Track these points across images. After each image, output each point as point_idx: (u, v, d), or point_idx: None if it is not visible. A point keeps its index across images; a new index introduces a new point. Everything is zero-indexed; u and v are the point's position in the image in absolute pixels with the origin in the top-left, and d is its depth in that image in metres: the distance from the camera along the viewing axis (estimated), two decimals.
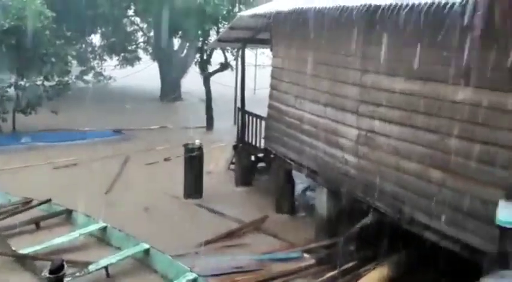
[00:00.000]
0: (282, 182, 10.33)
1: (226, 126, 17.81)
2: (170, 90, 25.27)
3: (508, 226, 5.01)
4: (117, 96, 24.92)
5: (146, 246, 7.55)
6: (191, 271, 6.80)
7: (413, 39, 6.20)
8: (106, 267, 7.05)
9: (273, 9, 9.15)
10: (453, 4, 5.01)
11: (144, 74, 28.50)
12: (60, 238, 7.95)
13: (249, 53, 12.38)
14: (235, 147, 12.48)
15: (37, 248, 7.58)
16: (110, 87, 27.22)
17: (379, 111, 7.17)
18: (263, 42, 11.99)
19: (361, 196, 7.59)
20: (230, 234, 8.84)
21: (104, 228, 8.36)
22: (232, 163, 12.88)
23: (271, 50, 10.79)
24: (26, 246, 7.64)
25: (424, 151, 6.41)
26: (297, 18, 8.40)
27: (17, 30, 14.85)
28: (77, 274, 6.72)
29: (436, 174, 6.24)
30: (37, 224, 8.80)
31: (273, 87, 10.53)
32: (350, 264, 7.16)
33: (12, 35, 14.92)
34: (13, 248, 7.64)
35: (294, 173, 10.11)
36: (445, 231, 6.09)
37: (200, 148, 11.24)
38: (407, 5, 5.63)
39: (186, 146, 11.36)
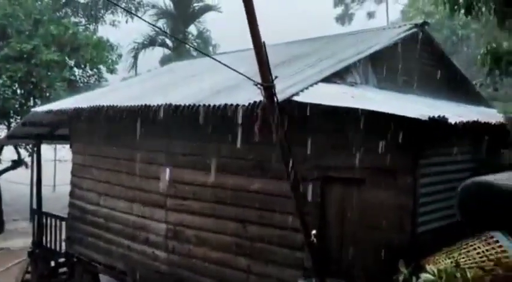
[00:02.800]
0: None
1: (19, 230, 15.91)
2: None
3: None
4: None
5: None
6: None
7: (211, 136, 6.66)
8: None
9: (70, 105, 8.84)
10: (243, 106, 5.56)
11: None
12: None
13: (47, 147, 11.54)
14: (30, 254, 11.12)
15: None
16: None
17: (186, 204, 7.31)
18: (62, 138, 11.39)
19: None
20: None
21: None
22: (27, 272, 11.37)
23: (71, 147, 10.29)
24: None
25: (229, 240, 6.68)
26: (96, 115, 8.24)
27: None
28: None
29: (242, 261, 6.51)
30: None
31: (74, 184, 9.93)
32: None
33: None
34: None
35: (102, 277, 9.41)
36: None
37: None
38: (204, 105, 6.08)
39: None
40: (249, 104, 5.37)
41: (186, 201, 7.30)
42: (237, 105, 5.59)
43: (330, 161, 5.77)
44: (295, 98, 5.45)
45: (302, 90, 5.73)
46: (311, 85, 6.00)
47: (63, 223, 10.25)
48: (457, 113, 6.08)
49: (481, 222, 5.21)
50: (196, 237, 7.14)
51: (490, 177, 5.39)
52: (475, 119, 5.61)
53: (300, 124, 5.73)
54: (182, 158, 7.32)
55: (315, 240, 4.83)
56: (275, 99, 4.03)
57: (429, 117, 4.84)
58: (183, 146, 7.27)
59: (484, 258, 5.00)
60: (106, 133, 8.66)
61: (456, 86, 9.26)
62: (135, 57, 18.75)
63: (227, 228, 6.70)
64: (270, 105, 4.06)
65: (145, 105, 6.86)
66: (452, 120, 5.02)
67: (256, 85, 3.89)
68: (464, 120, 5.31)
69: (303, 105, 5.39)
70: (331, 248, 5.91)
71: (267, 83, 3.86)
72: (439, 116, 4.95)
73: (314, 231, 4.96)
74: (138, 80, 12.93)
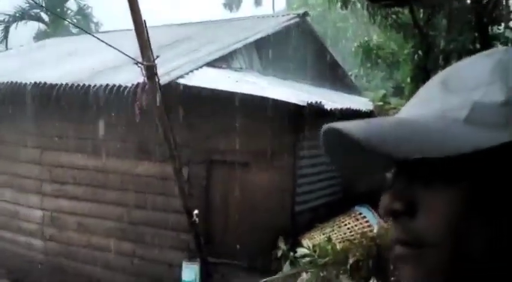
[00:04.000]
0: None
1: None
2: None
3: None
4: None
5: None
6: None
7: (92, 117, 6.39)
8: None
9: None
10: (125, 87, 5.43)
11: None
12: None
13: None
14: None
15: None
16: None
17: (64, 189, 6.96)
18: None
19: None
20: None
21: None
22: None
23: None
24: None
25: (113, 225, 6.51)
26: None
27: None
28: None
29: (126, 246, 6.39)
30: None
31: None
32: None
33: None
34: None
35: None
36: None
37: None
38: (84, 85, 5.81)
39: None
40: (132, 85, 5.25)
41: (65, 185, 6.94)
42: (120, 85, 5.43)
43: (215, 145, 5.87)
44: (180, 81, 5.44)
45: (187, 74, 5.73)
46: (196, 69, 6.02)
47: None
48: (333, 100, 6.52)
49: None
50: (76, 224, 6.84)
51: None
52: (348, 106, 6.08)
53: (185, 107, 5.73)
54: (59, 140, 6.93)
55: (197, 220, 4.91)
56: (156, 79, 3.99)
57: (307, 103, 5.15)
58: (61, 128, 6.88)
59: (353, 232, 5.50)
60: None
61: (334, 75, 9.89)
62: (6, 31, 17.07)
63: (110, 213, 6.51)
64: (151, 85, 4.02)
65: (15, 82, 6.37)
66: (328, 106, 5.40)
67: (136, 64, 3.83)
68: (339, 106, 5.74)
69: (187, 88, 5.40)
70: (216, 229, 6.05)
71: (148, 62, 3.82)
72: (316, 102, 5.30)
73: (196, 211, 5.05)
74: (8, 54, 11.88)
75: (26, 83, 6.32)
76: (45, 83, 6.13)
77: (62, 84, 5.99)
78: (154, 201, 6.13)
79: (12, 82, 6.47)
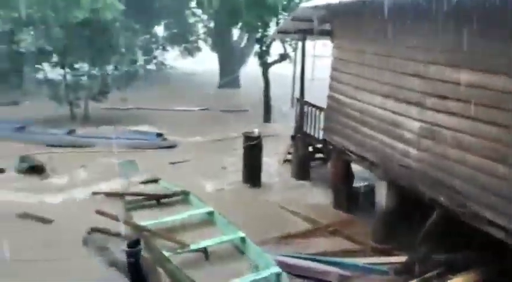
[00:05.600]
0: (340, 174, 10.35)
1: (283, 116, 18.04)
2: (228, 79, 25.92)
3: None
4: (178, 83, 25.84)
5: (242, 234, 7.78)
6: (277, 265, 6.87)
7: (479, 30, 6.07)
8: (205, 249, 7.45)
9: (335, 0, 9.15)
10: None
11: (203, 64, 29.42)
12: (172, 217, 8.65)
13: (307, 43, 12.41)
14: (293, 137, 12.61)
15: (153, 222, 8.27)
16: (169, 76, 28.20)
17: (443, 103, 7.07)
18: (323, 34, 11.98)
19: (421, 190, 7.52)
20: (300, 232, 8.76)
21: (211, 213, 8.84)
22: (289, 153, 13.02)
23: (332, 41, 10.79)
24: (146, 220, 8.40)
25: (488, 145, 6.28)
26: (360, 9, 8.37)
27: (90, 22, 15.73)
28: (178, 251, 7.31)
29: (500, 169, 6.11)
30: (158, 200, 9.74)
31: (333, 78, 10.54)
32: (430, 274, 6.63)
33: (86, 26, 15.81)
34: (134, 220, 8.39)
35: (353, 165, 10.13)
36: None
37: (259, 137, 11.42)
38: None
39: (245, 134, 11.57)
40: None
41: (444, 100, 7.03)
42: None
43: None
44: None
45: None
46: None
47: (321, 113, 11.18)
48: None
49: None
50: (452, 139, 6.92)
51: None
52: None
53: None
54: (443, 54, 6.94)
55: None
56: None
57: None
58: (446, 42, 6.84)
59: None
60: (367, 28, 8.74)
61: None
62: None
63: (487, 132, 6.28)
64: None
65: None
66: None
67: None
68: None
69: None
70: None
71: None
72: None
73: None
74: None
75: None
76: None
77: None
78: None
79: None
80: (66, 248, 7.71)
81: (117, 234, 7.77)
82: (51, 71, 17.64)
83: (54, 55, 16.93)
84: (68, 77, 17.26)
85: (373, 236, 8.57)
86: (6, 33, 16.12)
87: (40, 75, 17.36)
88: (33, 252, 7.53)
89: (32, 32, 16.51)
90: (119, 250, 6.57)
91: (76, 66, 17.33)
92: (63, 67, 17.13)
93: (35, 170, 11.91)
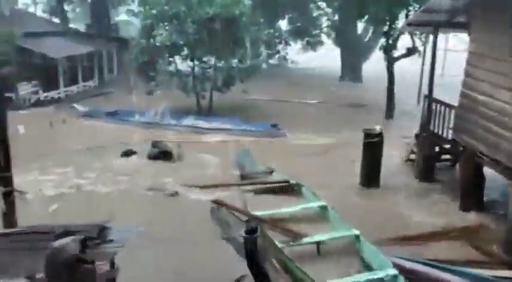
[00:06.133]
0: (470, 178, 9.55)
1: (406, 113, 17.19)
2: (350, 72, 25.45)
3: None
4: (298, 77, 25.95)
5: (357, 232, 7.50)
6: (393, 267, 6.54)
7: None
8: (318, 243, 7.34)
9: None
10: None
11: (324, 59, 29.26)
12: (285, 209, 8.54)
13: (439, 36, 11.57)
14: (417, 136, 11.92)
15: (266, 213, 8.27)
16: (290, 70, 28.40)
17: None
18: (458, 26, 11.11)
19: None
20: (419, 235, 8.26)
21: (324, 207, 8.65)
22: (413, 152, 12.33)
23: (469, 35, 9.96)
24: (259, 210, 8.42)
25: None
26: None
27: (219, 17, 16.41)
28: (291, 243, 7.24)
29: None
30: (272, 191, 9.89)
31: (468, 74, 9.74)
32: None
33: (215, 21, 16.54)
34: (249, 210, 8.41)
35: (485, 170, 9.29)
36: None
37: (380, 134, 10.95)
38: None
39: (365, 131, 11.17)
40: None
41: None
42: None
43: None
44: None
45: None
46: None
47: (451, 111, 10.41)
48: None
49: None
50: None
51: None
52: None
53: None
54: None
55: None
56: None
57: None
58: None
59: None
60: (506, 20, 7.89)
61: None
62: None
63: None
64: None
65: None
66: None
67: None
68: None
69: None
70: None
71: None
72: None
73: None
74: None
75: None
76: None
77: None
78: None
79: None
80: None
81: (239, 211, 7.91)
82: (181, 64, 18.75)
83: (185, 49, 17.92)
84: (196, 69, 18.20)
85: (504, 246, 7.80)
86: (147, 28, 17.43)
87: (171, 68, 18.51)
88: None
89: (167, 27, 17.64)
90: (238, 234, 6.67)
91: (204, 59, 18.20)
92: (192, 60, 18.11)
93: (164, 155, 12.76)
